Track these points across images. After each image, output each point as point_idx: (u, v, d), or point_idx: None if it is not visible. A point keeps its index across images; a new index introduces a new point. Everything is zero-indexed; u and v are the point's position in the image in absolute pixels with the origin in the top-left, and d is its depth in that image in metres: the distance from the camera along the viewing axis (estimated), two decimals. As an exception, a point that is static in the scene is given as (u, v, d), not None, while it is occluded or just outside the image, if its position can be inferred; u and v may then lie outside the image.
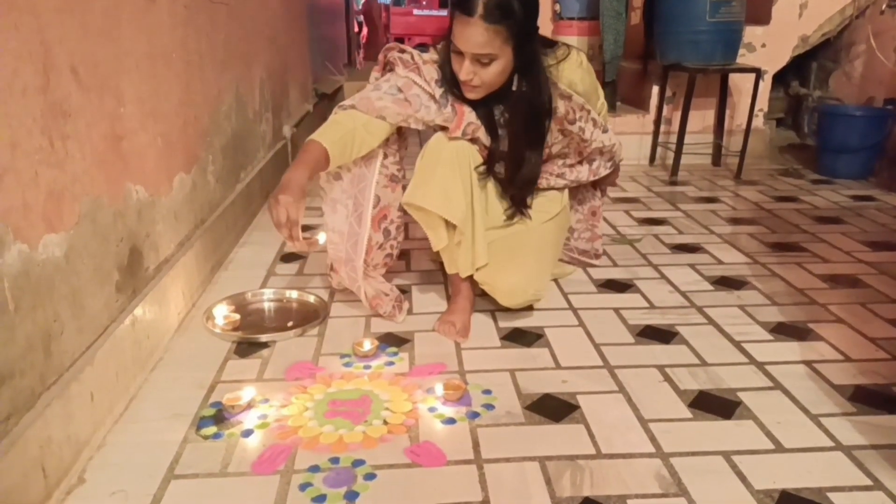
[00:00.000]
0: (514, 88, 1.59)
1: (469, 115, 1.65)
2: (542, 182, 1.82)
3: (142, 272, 1.55)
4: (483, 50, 1.48)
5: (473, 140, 1.69)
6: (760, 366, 1.55)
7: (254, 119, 2.71)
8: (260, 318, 1.83)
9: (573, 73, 1.67)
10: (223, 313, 1.75)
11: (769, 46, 3.54)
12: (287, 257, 2.22)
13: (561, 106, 1.67)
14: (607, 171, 1.89)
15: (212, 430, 1.31)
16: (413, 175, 1.67)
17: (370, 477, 1.18)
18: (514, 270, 1.70)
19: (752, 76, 3.23)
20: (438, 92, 1.62)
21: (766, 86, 3.58)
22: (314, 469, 1.20)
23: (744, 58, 3.45)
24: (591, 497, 1.13)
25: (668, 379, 1.50)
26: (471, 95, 1.59)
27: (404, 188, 1.72)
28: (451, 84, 1.61)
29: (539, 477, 1.18)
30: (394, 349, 1.62)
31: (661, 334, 1.70)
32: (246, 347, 1.63)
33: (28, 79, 1.09)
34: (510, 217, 1.78)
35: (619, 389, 1.45)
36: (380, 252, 1.81)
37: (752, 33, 3.47)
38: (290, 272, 2.10)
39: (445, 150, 1.65)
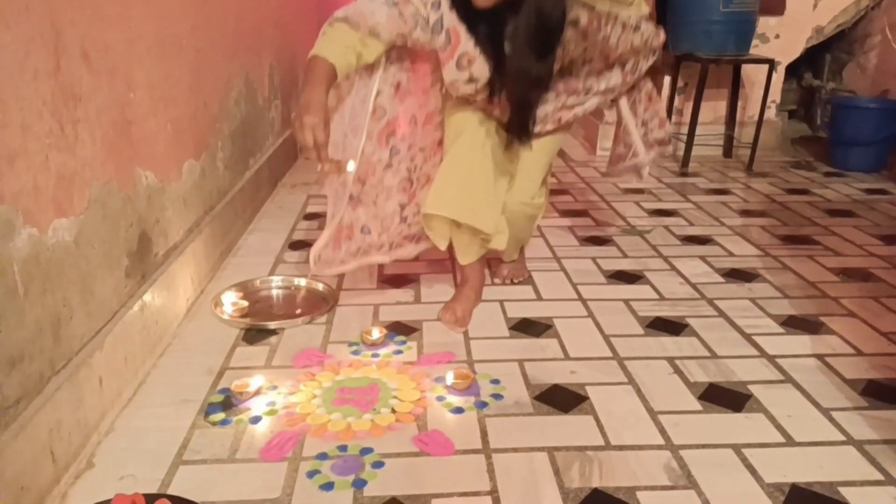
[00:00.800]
0: None
1: (465, 44, 1.51)
2: (567, 114, 1.70)
3: (151, 258, 1.55)
4: None
5: (471, 80, 1.55)
6: (771, 359, 1.54)
7: (263, 106, 2.70)
8: (268, 305, 1.83)
9: None
10: (231, 300, 1.75)
11: (783, 37, 3.51)
12: (295, 245, 2.22)
13: (583, 16, 1.50)
14: (649, 64, 1.72)
15: (220, 416, 1.31)
16: (437, 177, 1.62)
17: (378, 465, 1.17)
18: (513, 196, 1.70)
19: (765, 67, 3.20)
20: (433, 17, 1.49)
21: (778, 77, 3.54)
22: (322, 457, 1.20)
23: (757, 49, 3.42)
24: (600, 488, 1.12)
25: (677, 371, 1.49)
26: (480, 3, 1.44)
27: (419, 97, 1.64)
28: None
29: (547, 468, 1.17)
30: (402, 338, 1.62)
31: (671, 326, 1.69)
32: (254, 334, 1.63)
33: (39, 62, 1.08)
34: (507, 146, 1.66)
35: (629, 381, 1.45)
36: (390, 174, 1.66)
37: (765, 24, 3.43)
38: (298, 259, 2.10)
39: (470, 150, 1.59)
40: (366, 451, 1.21)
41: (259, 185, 2.55)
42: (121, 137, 1.39)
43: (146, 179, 1.52)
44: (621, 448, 1.23)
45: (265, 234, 2.32)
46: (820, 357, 1.56)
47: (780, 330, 1.68)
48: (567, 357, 1.54)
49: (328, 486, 1.12)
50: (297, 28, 3.38)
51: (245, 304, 1.75)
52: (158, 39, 1.59)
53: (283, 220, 2.46)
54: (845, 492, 1.13)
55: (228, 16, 2.20)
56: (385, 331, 1.61)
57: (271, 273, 1.99)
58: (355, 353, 1.55)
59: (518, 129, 1.62)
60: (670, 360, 1.53)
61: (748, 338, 1.63)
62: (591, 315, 1.75)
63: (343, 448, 1.22)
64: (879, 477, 1.16)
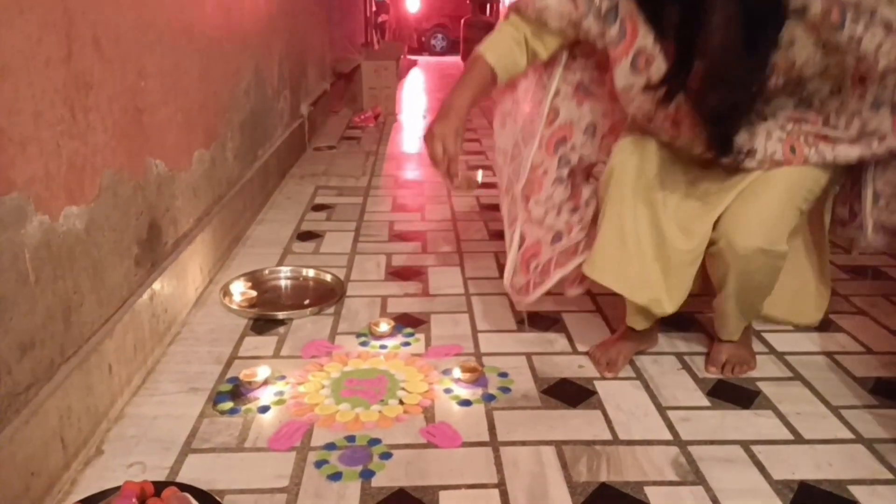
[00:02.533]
0: None
1: (643, 39, 1.22)
2: (804, 147, 1.26)
3: (161, 246, 1.55)
4: None
5: (648, 87, 1.24)
6: (780, 356, 1.54)
7: (272, 97, 2.70)
8: (276, 295, 1.83)
9: None
10: (240, 290, 1.75)
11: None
12: (304, 235, 2.22)
13: (814, 3, 1.11)
14: None
15: (228, 405, 1.31)
16: (599, 233, 1.37)
17: (386, 456, 1.18)
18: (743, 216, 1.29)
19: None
20: (605, 6, 1.26)
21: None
22: (330, 447, 1.20)
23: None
24: (608, 483, 1.12)
25: (686, 367, 1.48)
26: None
27: (603, 103, 1.41)
28: None
29: (555, 461, 1.17)
30: (410, 330, 1.62)
31: (680, 322, 1.68)
32: (263, 324, 1.63)
33: (51, 49, 1.08)
34: (705, 165, 1.32)
35: (637, 376, 1.44)
36: (560, 189, 1.44)
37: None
38: (306, 250, 2.10)
39: (623, 199, 1.33)
40: (374, 441, 1.21)
41: (268, 176, 2.55)
42: (132, 126, 1.39)
43: (157, 168, 1.52)
44: (629, 443, 1.23)
45: (274, 224, 2.32)
46: (829, 354, 1.55)
47: (790, 327, 1.67)
48: (575, 351, 1.54)
49: (336, 477, 1.12)
50: (306, 20, 3.37)
51: (253, 293, 1.75)
52: (169, 28, 1.59)
53: (292, 210, 2.47)
54: (854, 490, 1.12)
55: (239, 5, 2.20)
56: (393, 322, 1.61)
57: (280, 263, 1.99)
58: (363, 344, 1.55)
59: (717, 140, 1.25)
60: (679, 355, 1.53)
61: (757, 334, 1.62)
62: (599, 310, 1.74)
63: (351, 439, 1.22)
64: (889, 475, 1.16)
